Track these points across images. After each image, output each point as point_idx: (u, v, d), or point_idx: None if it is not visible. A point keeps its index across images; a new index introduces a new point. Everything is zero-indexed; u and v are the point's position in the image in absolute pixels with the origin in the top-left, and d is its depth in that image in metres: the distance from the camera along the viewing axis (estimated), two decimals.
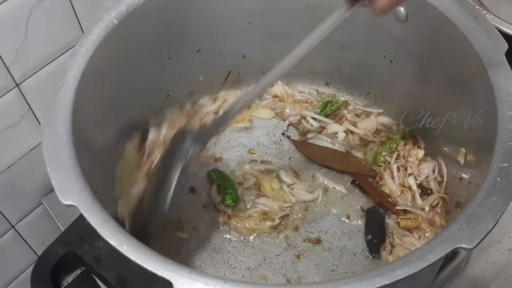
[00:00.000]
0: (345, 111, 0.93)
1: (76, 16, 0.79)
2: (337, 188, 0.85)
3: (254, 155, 0.90)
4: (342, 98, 0.94)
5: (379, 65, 0.86)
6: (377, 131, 0.90)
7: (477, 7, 0.91)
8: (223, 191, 0.83)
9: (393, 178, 0.82)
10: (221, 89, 0.94)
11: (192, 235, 0.81)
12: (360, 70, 0.91)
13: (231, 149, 0.91)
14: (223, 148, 0.90)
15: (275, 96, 0.95)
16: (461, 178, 0.72)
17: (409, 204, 0.80)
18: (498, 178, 0.56)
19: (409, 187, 0.81)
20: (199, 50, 0.87)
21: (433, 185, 0.80)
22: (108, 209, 0.55)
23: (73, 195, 0.54)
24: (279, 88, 0.95)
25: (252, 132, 0.93)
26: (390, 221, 0.80)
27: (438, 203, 0.78)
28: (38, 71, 0.79)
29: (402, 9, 0.76)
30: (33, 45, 0.76)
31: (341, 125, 0.91)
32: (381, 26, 0.80)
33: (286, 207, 0.83)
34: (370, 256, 0.77)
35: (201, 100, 0.90)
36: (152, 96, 0.83)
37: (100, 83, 0.69)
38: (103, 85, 0.70)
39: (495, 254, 0.79)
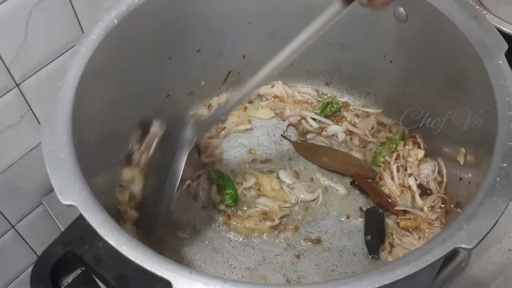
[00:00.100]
0: (345, 113, 0.93)
1: (76, 16, 0.79)
2: (337, 188, 0.85)
3: (254, 155, 0.90)
4: (342, 98, 0.94)
5: (379, 65, 0.86)
6: (377, 131, 0.90)
7: (477, 7, 0.91)
8: (223, 191, 0.83)
9: (392, 178, 0.82)
10: (221, 89, 0.95)
11: (192, 235, 0.81)
12: (360, 70, 0.91)
13: (231, 149, 0.91)
14: (223, 148, 0.90)
15: (275, 96, 0.95)
16: (461, 178, 0.72)
17: (409, 204, 0.80)
18: (498, 178, 0.56)
19: (409, 187, 0.81)
20: (199, 50, 0.87)
21: (433, 185, 0.80)
22: (108, 209, 0.55)
23: (73, 195, 0.54)
24: (279, 88, 0.94)
25: (252, 132, 0.93)
26: (389, 221, 0.80)
27: (438, 203, 0.78)
28: (38, 71, 0.79)
29: (402, 9, 0.76)
30: (33, 45, 0.76)
31: (340, 125, 0.91)
32: (381, 26, 0.80)
33: (286, 207, 0.83)
34: (370, 256, 0.77)
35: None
36: (152, 96, 0.83)
37: (100, 83, 0.69)
38: (103, 85, 0.70)
39: (495, 254, 0.79)
